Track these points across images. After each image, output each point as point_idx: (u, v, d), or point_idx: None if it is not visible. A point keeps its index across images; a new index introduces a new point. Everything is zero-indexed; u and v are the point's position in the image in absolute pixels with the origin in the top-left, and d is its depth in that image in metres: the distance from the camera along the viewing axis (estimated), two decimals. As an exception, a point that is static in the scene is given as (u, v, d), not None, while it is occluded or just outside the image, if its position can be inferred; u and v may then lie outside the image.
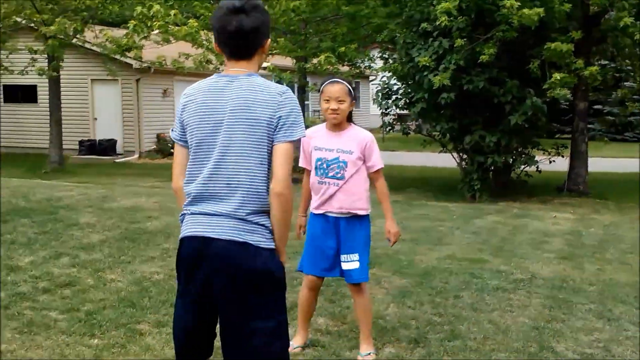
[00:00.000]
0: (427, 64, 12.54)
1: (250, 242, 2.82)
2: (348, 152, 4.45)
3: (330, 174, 4.45)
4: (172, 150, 20.41)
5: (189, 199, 2.94)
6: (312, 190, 4.58)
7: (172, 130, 3.07)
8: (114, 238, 7.26)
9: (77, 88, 22.95)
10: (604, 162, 18.53)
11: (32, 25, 18.63)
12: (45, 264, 6.21)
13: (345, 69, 19.74)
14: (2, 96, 23.67)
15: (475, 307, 5.60)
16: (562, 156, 14.75)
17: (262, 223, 2.87)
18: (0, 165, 16.64)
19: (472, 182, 13.44)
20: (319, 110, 4.57)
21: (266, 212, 2.89)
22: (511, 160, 13.90)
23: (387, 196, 4.61)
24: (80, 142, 22.71)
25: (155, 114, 23.36)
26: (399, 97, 14.93)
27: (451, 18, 12.02)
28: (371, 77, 30.95)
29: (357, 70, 19.87)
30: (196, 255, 2.89)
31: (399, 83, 14.94)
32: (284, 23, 17.10)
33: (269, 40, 3.04)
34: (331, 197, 4.46)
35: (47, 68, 17.85)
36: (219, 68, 17.73)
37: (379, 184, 4.57)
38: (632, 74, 18.63)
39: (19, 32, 19.71)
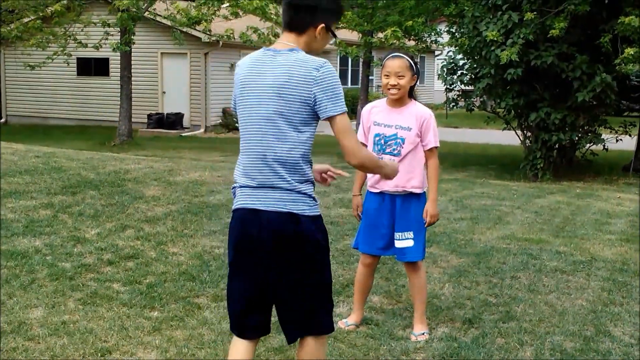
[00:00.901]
0: (495, 39, 12.36)
1: (294, 211, 3.01)
2: (406, 129, 4.44)
3: (388, 150, 4.45)
4: (237, 124, 20.92)
5: (238, 172, 3.12)
6: None
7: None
8: (178, 211, 7.42)
9: (147, 61, 23.36)
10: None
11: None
12: (110, 236, 6.41)
13: (412, 43, 19.58)
14: (76, 69, 24.22)
15: (532, 288, 5.57)
16: (630, 135, 14.38)
17: (304, 191, 3.04)
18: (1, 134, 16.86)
19: (535, 161, 13.24)
20: (382, 85, 4.57)
21: (309, 181, 3.06)
22: (577, 138, 13.62)
23: (436, 177, 4.56)
24: (149, 116, 23.16)
25: (221, 88, 23.64)
26: (464, 72, 14.78)
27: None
28: (437, 52, 30.63)
29: (423, 45, 19.69)
30: (245, 227, 3.06)
31: (464, 58, 14.76)
32: (354, -5, 17.09)
33: (323, 26, 3.09)
34: None
35: (119, 42, 18.17)
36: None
37: (430, 163, 4.53)
38: None
39: (93, 5, 20.16)
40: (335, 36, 3.17)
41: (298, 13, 3.07)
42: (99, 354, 4.06)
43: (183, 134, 22.38)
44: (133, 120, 20.30)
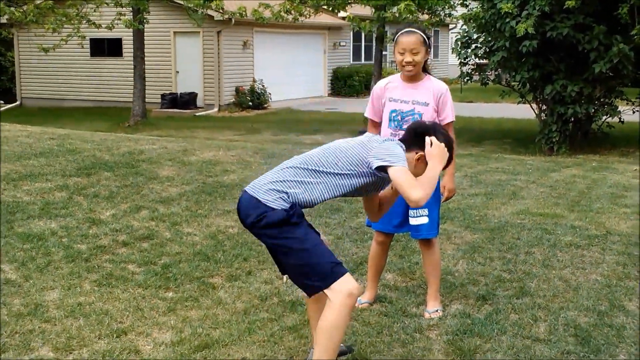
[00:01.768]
0: (510, 11, 12.23)
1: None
2: (424, 104, 4.42)
3: (405, 126, 4.43)
4: (250, 103, 20.82)
5: None
6: None
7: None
8: (192, 191, 7.45)
9: (160, 41, 23.36)
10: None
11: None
12: (125, 217, 6.45)
13: (425, 17, 19.44)
14: (89, 50, 24.24)
15: (547, 263, 5.56)
16: (647, 106, 14.24)
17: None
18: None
19: (550, 134, 13.17)
20: (396, 61, 4.54)
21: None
22: (593, 111, 13.50)
23: (453, 153, 4.54)
24: (162, 96, 23.19)
25: (234, 67, 23.62)
26: (479, 46, 14.66)
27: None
28: (451, 26, 30.37)
29: (437, 19, 19.54)
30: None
31: (478, 31, 14.63)
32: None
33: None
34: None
35: (132, 20, 18.11)
36: (298, 19, 17.75)
37: None
38: None
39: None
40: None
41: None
42: (115, 335, 4.10)
43: (197, 114, 22.40)
44: (147, 100, 20.33)
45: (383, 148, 3.40)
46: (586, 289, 5.02)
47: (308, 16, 18.22)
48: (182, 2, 19.42)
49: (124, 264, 5.33)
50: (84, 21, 18.95)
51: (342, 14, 23.41)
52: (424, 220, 4.51)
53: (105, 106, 24.03)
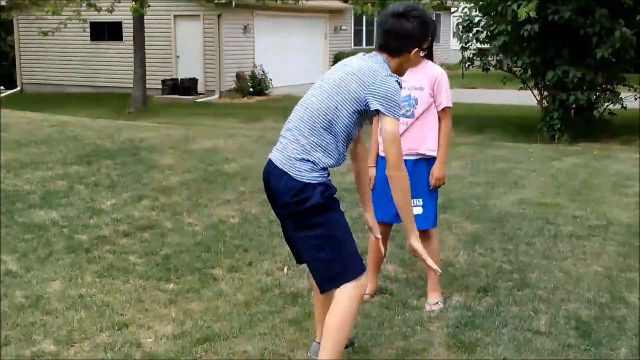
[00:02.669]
0: (512, -6, 12.15)
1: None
2: (419, 89, 4.38)
3: (400, 113, 4.40)
4: (251, 89, 20.59)
5: None
6: (379, 133, 4.54)
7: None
8: (193, 180, 7.44)
9: (160, 25, 23.20)
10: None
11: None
12: (126, 207, 6.45)
13: (426, 0, 19.32)
14: (89, 34, 24.13)
15: (547, 254, 5.56)
16: (650, 93, 14.17)
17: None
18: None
19: (552, 122, 13.14)
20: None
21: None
22: (594, 97, 13.45)
23: (447, 138, 4.49)
24: (163, 82, 23.08)
25: (235, 52, 23.51)
26: (480, 30, 14.58)
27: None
28: (452, 9, 30.21)
29: (438, 1, 19.41)
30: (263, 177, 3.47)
31: (480, 15, 14.55)
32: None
33: (417, 50, 3.47)
34: (400, 137, 4.42)
35: (134, 2, 17.99)
36: (299, 1, 17.63)
37: (443, 124, 4.47)
38: None
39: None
40: (425, 50, 3.63)
41: (393, 39, 3.42)
42: (116, 328, 4.11)
43: (198, 100, 22.33)
44: (147, 86, 20.24)
45: (382, 86, 3.31)
46: (587, 280, 5.03)
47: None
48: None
49: (125, 254, 5.34)
50: (84, 3, 18.84)
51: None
52: (418, 210, 4.45)
53: (106, 92, 23.94)
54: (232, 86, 23.35)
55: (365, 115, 3.39)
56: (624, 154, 10.57)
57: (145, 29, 19.87)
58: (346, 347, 3.78)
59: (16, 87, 26.32)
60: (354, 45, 29.91)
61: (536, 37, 12.67)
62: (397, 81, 3.35)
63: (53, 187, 6.89)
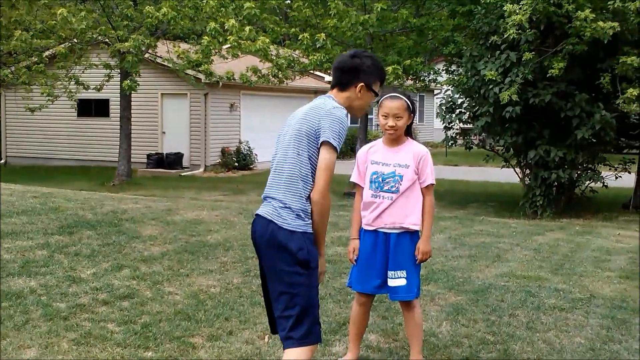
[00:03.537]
0: (494, 78, 12.44)
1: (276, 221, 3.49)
2: (404, 166, 4.46)
3: (385, 188, 4.46)
4: (235, 164, 20.75)
5: None
6: (364, 206, 4.58)
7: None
8: (175, 251, 7.40)
9: (147, 102, 23.49)
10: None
11: (106, 40, 19.18)
12: (106, 276, 6.38)
13: (410, 82, 19.70)
14: (76, 110, 24.32)
15: (531, 326, 5.52)
16: (629, 172, 14.39)
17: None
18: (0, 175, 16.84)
19: (534, 198, 13.25)
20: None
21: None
22: (576, 176, 13.63)
23: (431, 214, 4.56)
24: (148, 156, 23.22)
25: (221, 128, 23.75)
26: (463, 111, 14.85)
27: (519, 31, 11.90)
28: (436, 91, 30.78)
29: (422, 84, 19.81)
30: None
31: (462, 97, 14.85)
32: (351, 37, 17.25)
33: (364, 87, 3.65)
34: (384, 211, 4.46)
35: (128, 81, 18.20)
36: (284, 82, 17.97)
37: (427, 199, 4.53)
38: None
39: (92, 48, 20.32)
40: (377, 94, 3.70)
41: (343, 74, 3.65)
42: (91, 395, 4.01)
43: (182, 174, 22.41)
44: (132, 160, 20.35)
45: (327, 117, 3.50)
46: (570, 352, 4.99)
47: (293, 79, 18.43)
48: (170, 65, 19.63)
49: (103, 322, 5.25)
50: (73, 82, 19.11)
51: (328, 77, 23.67)
52: (402, 282, 4.49)
53: (90, 165, 24.01)
54: (217, 161, 23.49)
55: None
56: (606, 229, 10.65)
57: (132, 106, 20.12)
58: None
59: (0, 159, 26.32)
60: (339, 123, 30.23)
61: (517, 119, 12.90)
62: (344, 113, 3.55)
63: (33, 256, 6.82)
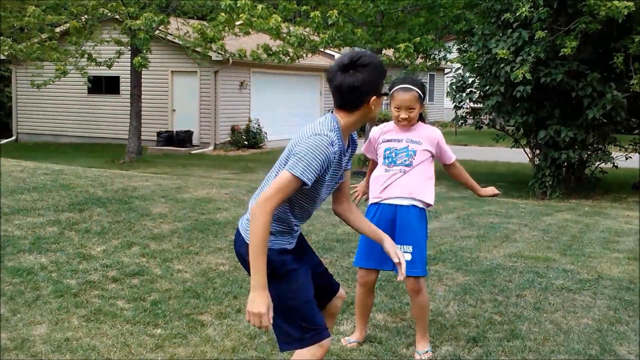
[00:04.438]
0: (505, 57, 12.36)
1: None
2: (417, 142, 4.51)
3: (399, 162, 4.49)
4: (245, 142, 20.71)
5: None
6: (374, 181, 4.60)
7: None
8: (184, 229, 7.43)
9: (157, 80, 23.48)
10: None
11: (117, 17, 19.16)
12: (116, 253, 6.43)
13: (420, 61, 19.62)
14: (87, 88, 24.35)
15: (538, 306, 5.53)
16: None
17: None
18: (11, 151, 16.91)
19: (543, 179, 13.22)
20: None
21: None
22: (586, 156, 13.58)
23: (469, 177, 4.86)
24: (158, 134, 23.25)
25: (231, 106, 23.74)
26: (473, 90, 14.77)
27: (532, 8, 11.80)
28: (446, 70, 30.66)
29: (432, 62, 19.71)
30: None
31: (473, 76, 14.78)
32: (362, 14, 17.17)
33: (376, 98, 3.19)
34: (395, 182, 4.48)
35: (132, 60, 18.18)
36: (294, 60, 17.94)
37: (460, 169, 4.79)
38: None
39: (104, 24, 20.32)
40: (386, 94, 3.33)
41: (344, 96, 3.16)
42: (101, 371, 4.06)
43: (192, 152, 22.44)
44: (143, 137, 20.38)
45: (301, 145, 3.12)
46: (577, 332, 5.00)
47: (305, 57, 18.40)
48: (181, 43, 19.59)
49: (113, 299, 5.30)
50: (84, 57, 19.11)
51: (338, 55, 23.59)
52: (407, 257, 4.46)
53: (101, 143, 24.08)
54: (227, 139, 23.50)
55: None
56: (615, 211, 10.63)
57: (143, 84, 20.11)
58: None
59: (11, 136, 26.45)
60: (349, 102, 30.18)
61: (528, 98, 12.84)
62: (327, 140, 3.08)
63: (44, 232, 6.87)
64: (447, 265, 6.58)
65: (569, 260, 6.96)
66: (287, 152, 3.19)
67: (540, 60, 12.37)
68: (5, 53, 19.59)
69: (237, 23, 16.62)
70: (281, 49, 17.16)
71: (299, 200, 3.22)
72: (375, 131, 4.72)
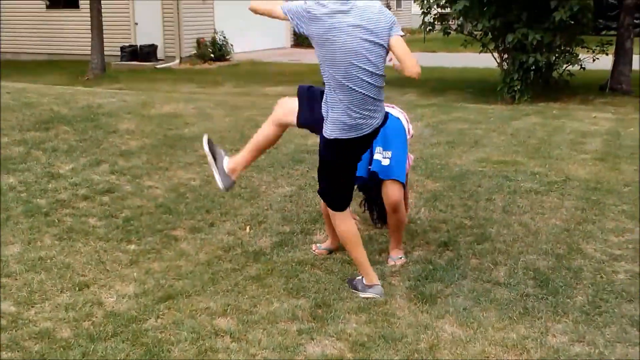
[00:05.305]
0: (472, -43, 12.13)
1: None
2: None
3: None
4: (212, 55, 20.20)
5: None
6: None
7: None
8: (152, 145, 7.37)
9: (117, -9, 22.79)
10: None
11: None
12: (85, 171, 6.37)
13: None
14: (45, 2, 23.61)
15: (507, 209, 5.63)
16: (607, 54, 14.33)
17: None
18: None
19: (512, 83, 13.22)
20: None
21: None
22: (554, 59, 13.56)
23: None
24: (122, 48, 22.70)
25: (195, 18, 23.19)
26: (441, -6, 14.54)
27: None
28: (414, -26, 30.11)
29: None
30: None
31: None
32: None
33: None
34: None
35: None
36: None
37: None
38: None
39: None
40: None
41: None
42: (77, 288, 4.08)
43: (158, 66, 22.00)
44: (106, 53, 19.90)
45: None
46: (545, 233, 5.11)
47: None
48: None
49: (84, 217, 5.28)
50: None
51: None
52: (386, 162, 4.48)
53: (63, 60, 23.49)
54: (193, 52, 23.07)
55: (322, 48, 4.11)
56: (582, 112, 10.71)
57: (102, -4, 19.52)
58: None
59: (-30, 56, 25.73)
60: (315, 11, 29.66)
61: (496, 1, 12.69)
62: None
63: (9, 153, 6.76)
64: (417, 173, 6.62)
65: (537, 163, 7.04)
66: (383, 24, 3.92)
67: (507, -40, 12.17)
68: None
69: None
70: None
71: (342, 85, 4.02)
72: None
